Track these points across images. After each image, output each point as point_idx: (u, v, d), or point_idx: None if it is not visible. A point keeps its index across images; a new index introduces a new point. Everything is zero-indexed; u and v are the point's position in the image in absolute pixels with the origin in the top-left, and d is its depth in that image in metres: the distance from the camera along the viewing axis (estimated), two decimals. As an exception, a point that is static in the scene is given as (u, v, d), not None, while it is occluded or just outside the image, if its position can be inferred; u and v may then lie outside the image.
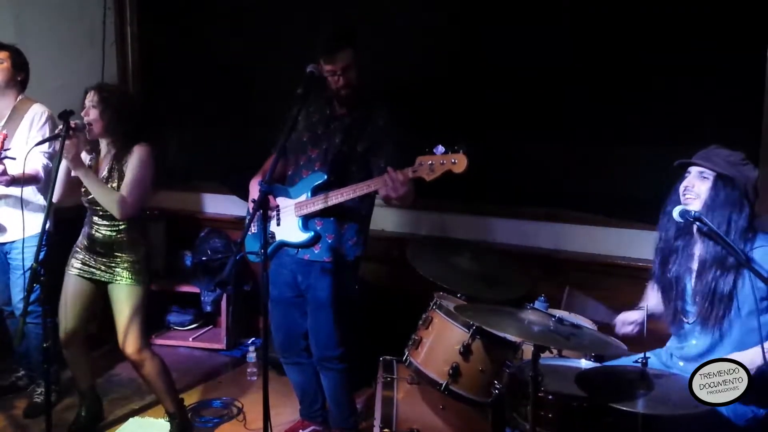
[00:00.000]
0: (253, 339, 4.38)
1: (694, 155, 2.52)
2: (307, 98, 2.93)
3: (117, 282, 3.17)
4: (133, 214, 3.09)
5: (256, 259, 3.16)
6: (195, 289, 4.63)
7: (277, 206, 3.16)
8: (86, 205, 3.19)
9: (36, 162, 3.40)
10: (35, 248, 2.77)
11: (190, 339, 4.66)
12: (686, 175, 2.53)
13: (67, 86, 4.09)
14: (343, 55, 2.97)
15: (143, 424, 3.54)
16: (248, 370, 4.22)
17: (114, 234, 3.16)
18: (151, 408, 3.70)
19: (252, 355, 4.27)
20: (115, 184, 3.11)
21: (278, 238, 3.17)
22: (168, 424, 3.38)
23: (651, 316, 2.68)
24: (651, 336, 2.64)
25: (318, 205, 3.04)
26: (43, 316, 2.85)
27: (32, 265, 2.72)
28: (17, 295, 3.52)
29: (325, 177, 3.06)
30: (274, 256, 3.22)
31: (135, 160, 3.11)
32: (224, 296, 4.53)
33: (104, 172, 3.14)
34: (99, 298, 3.26)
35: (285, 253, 3.20)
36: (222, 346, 4.57)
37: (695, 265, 2.52)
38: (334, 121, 3.13)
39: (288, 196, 3.16)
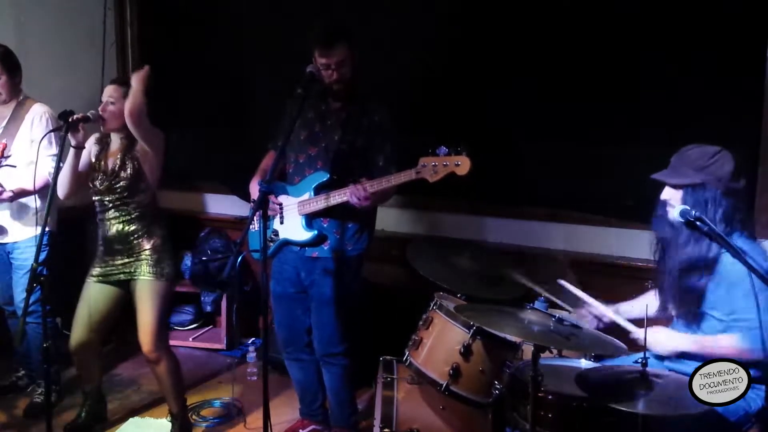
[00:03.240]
0: (253, 339, 4.38)
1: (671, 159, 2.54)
2: (306, 98, 2.93)
3: (137, 278, 3.16)
4: (140, 125, 3.00)
5: (259, 257, 3.17)
6: (195, 289, 4.63)
7: (281, 204, 3.17)
8: (96, 201, 3.18)
9: (43, 169, 3.36)
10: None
11: (190, 339, 4.66)
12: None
13: (68, 87, 4.11)
14: (339, 49, 2.96)
15: (143, 424, 3.54)
16: (248, 370, 4.22)
17: (127, 224, 3.15)
18: (151, 408, 3.70)
19: (252, 355, 4.27)
20: (128, 173, 3.10)
21: (282, 236, 3.17)
22: (169, 424, 3.38)
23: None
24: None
25: (320, 203, 3.04)
26: (44, 316, 2.85)
27: (32, 265, 2.72)
28: (20, 294, 3.50)
29: (328, 176, 3.07)
30: (277, 253, 3.23)
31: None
32: (224, 296, 4.54)
33: (117, 162, 3.12)
34: (120, 303, 3.24)
35: (288, 249, 3.21)
36: (222, 346, 4.57)
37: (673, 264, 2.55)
38: (330, 116, 3.14)
39: (290, 194, 3.16)
